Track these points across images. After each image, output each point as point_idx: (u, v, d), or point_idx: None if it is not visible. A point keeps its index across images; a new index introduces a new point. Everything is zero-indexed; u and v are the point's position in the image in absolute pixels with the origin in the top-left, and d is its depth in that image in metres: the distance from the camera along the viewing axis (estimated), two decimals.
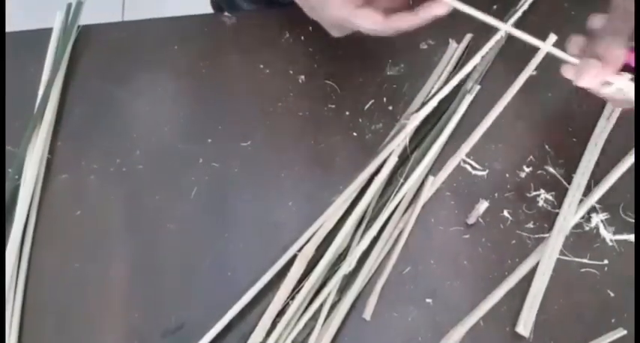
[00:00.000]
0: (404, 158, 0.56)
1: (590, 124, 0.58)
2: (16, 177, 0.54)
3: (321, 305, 0.49)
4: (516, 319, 0.50)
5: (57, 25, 0.62)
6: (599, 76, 0.45)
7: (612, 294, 0.51)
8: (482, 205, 0.53)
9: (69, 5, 0.63)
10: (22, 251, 0.52)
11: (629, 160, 0.56)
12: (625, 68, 0.46)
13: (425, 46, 0.62)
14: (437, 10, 0.50)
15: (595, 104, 0.59)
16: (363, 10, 0.50)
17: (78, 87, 0.60)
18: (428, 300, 0.51)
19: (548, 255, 0.52)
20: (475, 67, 0.60)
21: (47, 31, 0.62)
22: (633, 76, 0.46)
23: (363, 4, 0.50)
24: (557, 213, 0.54)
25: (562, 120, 0.59)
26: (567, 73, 0.48)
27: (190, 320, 0.50)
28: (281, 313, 0.49)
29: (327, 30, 0.54)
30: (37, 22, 0.63)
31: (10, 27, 0.63)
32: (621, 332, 0.49)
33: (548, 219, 0.54)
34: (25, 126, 0.56)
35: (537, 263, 0.52)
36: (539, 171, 0.56)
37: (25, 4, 1.41)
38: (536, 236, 0.53)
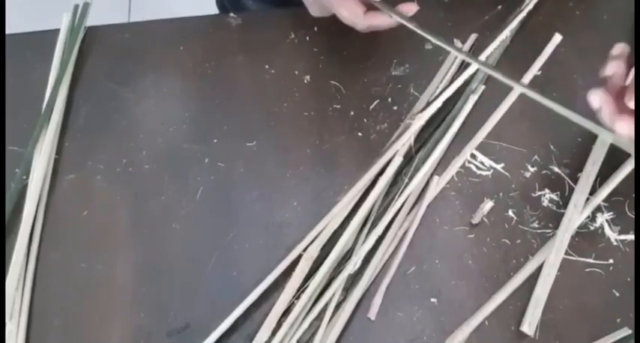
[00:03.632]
0: (409, 158, 0.56)
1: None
2: (24, 177, 0.55)
3: (326, 305, 0.49)
4: (521, 318, 0.50)
5: (64, 26, 0.62)
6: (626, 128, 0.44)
7: (617, 294, 0.51)
8: (487, 205, 0.53)
9: (76, 6, 0.64)
10: (29, 250, 0.52)
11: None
12: None
13: (430, 46, 0.62)
14: (407, 9, 0.52)
15: None
16: (348, 0, 0.52)
17: (84, 88, 0.60)
18: (433, 300, 0.51)
19: (554, 254, 0.52)
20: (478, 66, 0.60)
21: (54, 33, 0.62)
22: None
23: None
24: (563, 213, 0.54)
25: (567, 120, 0.59)
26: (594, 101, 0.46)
27: (196, 319, 0.50)
28: (286, 312, 0.49)
29: (307, 6, 0.56)
30: (44, 24, 0.63)
31: (16, 28, 0.63)
32: (626, 332, 0.49)
33: (553, 219, 0.54)
34: (33, 126, 0.57)
35: (542, 263, 0.52)
36: (544, 171, 0.56)
37: (31, 6, 1.42)
38: (542, 235, 0.53)
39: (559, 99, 0.44)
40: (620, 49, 0.48)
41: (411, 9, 0.53)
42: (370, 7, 0.53)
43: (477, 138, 0.57)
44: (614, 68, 0.46)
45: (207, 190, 0.55)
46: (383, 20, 0.53)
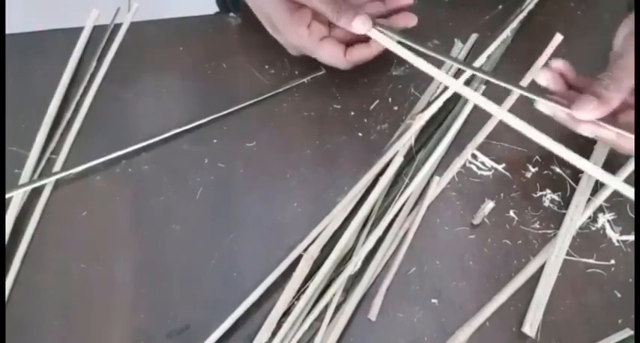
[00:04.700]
0: (409, 158, 0.56)
1: None
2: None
3: (327, 306, 0.49)
4: (523, 319, 0.50)
5: (63, 26, 0.62)
6: (595, 112, 0.46)
7: (619, 295, 0.51)
8: (488, 205, 0.53)
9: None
10: (27, 252, 0.52)
11: None
12: None
13: (430, 46, 0.62)
14: (405, 21, 0.55)
15: None
16: (326, 43, 0.54)
17: (84, 88, 0.60)
18: (433, 301, 0.51)
19: (555, 255, 0.52)
20: (481, 67, 0.60)
21: (54, 33, 0.62)
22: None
23: (326, 36, 0.55)
24: (564, 214, 0.54)
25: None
26: (541, 106, 0.50)
27: (196, 320, 0.50)
28: (286, 313, 0.49)
29: (285, 47, 0.58)
30: (44, 24, 0.63)
31: (16, 28, 0.63)
32: (628, 333, 0.49)
33: (554, 219, 0.54)
34: (33, 126, 0.56)
35: (544, 264, 0.52)
36: (546, 171, 0.56)
37: (32, 6, 1.42)
38: (543, 236, 0.53)
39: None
40: (561, 63, 0.51)
41: (411, 22, 0.55)
42: (349, 43, 0.55)
43: (477, 138, 0.57)
44: (547, 77, 0.50)
45: (207, 191, 0.55)
46: (364, 53, 0.55)
